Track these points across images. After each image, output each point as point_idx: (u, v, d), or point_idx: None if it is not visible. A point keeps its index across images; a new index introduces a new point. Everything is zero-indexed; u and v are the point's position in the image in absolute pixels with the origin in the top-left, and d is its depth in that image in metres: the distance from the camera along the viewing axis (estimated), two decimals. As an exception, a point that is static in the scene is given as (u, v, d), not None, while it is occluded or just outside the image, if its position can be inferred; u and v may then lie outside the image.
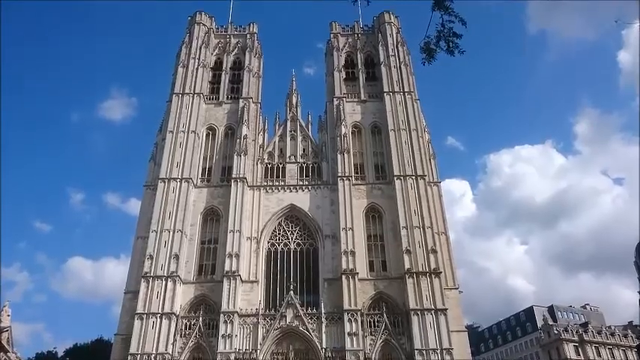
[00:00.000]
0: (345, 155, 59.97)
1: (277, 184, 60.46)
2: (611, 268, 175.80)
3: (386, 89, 65.15)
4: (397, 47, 69.41)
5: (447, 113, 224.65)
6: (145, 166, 63.30)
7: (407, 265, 52.04)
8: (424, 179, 58.04)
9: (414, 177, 57.86)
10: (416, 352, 47.34)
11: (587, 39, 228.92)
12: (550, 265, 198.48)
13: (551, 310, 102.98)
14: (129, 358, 47.25)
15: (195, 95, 64.70)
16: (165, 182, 57.51)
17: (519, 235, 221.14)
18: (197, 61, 67.87)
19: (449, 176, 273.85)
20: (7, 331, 73.96)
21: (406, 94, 64.70)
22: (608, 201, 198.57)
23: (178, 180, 57.81)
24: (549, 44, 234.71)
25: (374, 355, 48.36)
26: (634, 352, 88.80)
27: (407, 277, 51.33)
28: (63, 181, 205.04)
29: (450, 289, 53.71)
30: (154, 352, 47.64)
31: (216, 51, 71.82)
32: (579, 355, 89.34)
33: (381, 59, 68.00)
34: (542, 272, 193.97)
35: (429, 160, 62.47)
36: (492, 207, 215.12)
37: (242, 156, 59.83)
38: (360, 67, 69.38)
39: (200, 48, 69.28)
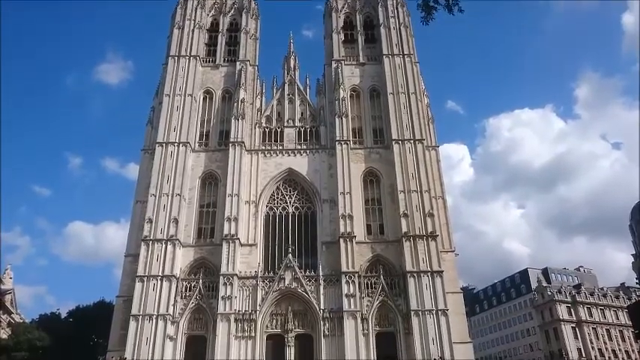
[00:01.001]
0: (344, 119, 59.61)
1: (275, 148, 60.31)
2: (606, 232, 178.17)
3: (385, 52, 64.16)
4: (397, 8, 67.96)
5: (447, 76, 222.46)
6: (143, 130, 63.05)
7: (404, 229, 52.56)
8: (422, 143, 57.93)
9: (412, 141, 57.71)
10: (412, 312, 48.43)
11: (591, 1, 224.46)
12: (546, 228, 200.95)
13: (545, 272, 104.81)
14: (131, 319, 48.25)
15: (192, 58, 63.70)
16: (162, 146, 57.33)
17: (516, 199, 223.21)
18: (193, 22, 66.50)
19: (447, 140, 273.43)
20: (10, 293, 75.36)
21: (405, 56, 63.77)
22: (607, 165, 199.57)
23: (176, 144, 57.62)
24: (552, 6, 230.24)
25: (371, 315, 49.48)
26: (625, 313, 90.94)
27: (404, 240, 51.93)
28: (60, 145, 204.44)
29: (447, 251, 54.48)
30: (155, 313, 48.63)
31: (212, 12, 70.28)
32: (571, 315, 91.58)
33: (381, 20, 66.71)
34: (538, 236, 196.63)
35: (428, 124, 62.20)
36: (490, 171, 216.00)
37: (240, 120, 59.45)
38: (359, 28, 68.11)
39: (195, 9, 67.76)
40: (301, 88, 65.57)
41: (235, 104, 60.45)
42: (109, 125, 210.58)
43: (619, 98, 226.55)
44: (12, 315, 73.69)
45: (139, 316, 48.35)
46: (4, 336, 61.74)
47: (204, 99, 63.60)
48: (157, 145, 57.49)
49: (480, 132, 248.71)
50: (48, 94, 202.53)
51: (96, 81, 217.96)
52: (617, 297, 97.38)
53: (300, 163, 59.05)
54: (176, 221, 53.40)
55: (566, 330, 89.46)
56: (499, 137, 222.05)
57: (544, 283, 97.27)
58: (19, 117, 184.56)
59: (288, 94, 64.28)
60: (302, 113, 63.15)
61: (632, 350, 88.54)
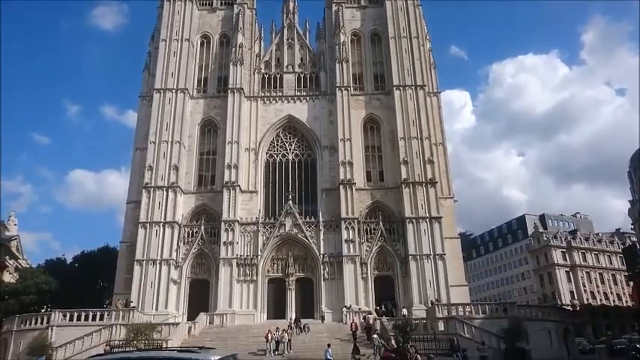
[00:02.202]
0: (344, 65, 58.53)
1: (275, 94, 59.57)
2: (605, 179, 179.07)
3: (387, -7, 62.04)
4: (399, -53, 65.06)
5: (451, 20, 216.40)
6: (140, 76, 62.02)
7: (404, 176, 52.80)
8: (424, 89, 57.17)
9: (413, 87, 56.93)
10: (410, 257, 49.52)
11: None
12: (545, 175, 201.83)
13: (542, 218, 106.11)
14: (135, 264, 49.38)
15: (187, 0, 61.70)
16: (160, 93, 56.61)
17: (517, 147, 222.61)
18: (187, -38, 63.84)
19: (449, 87, 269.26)
20: (16, 239, 76.66)
21: (408, -1, 61.74)
22: (609, 112, 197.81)
23: (174, 91, 56.87)
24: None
25: (369, 260, 50.62)
26: (618, 258, 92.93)
27: (403, 186, 52.29)
28: (57, 92, 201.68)
29: (446, 198, 55.02)
30: (159, 258, 49.71)
31: (207, -49, 67.38)
32: (566, 260, 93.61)
33: (382, -39, 64.11)
34: (537, 183, 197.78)
35: (430, 69, 61.14)
36: (492, 118, 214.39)
37: (238, 66, 58.38)
38: (360, -31, 65.53)
39: (190, -52, 64.90)
40: (301, 32, 63.99)
41: (233, 49, 59.19)
42: (106, 72, 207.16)
43: (625, 43, 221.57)
44: (19, 260, 75.32)
45: (143, 261, 49.45)
46: (12, 280, 63.32)
47: (202, 44, 62.20)
48: (154, 91, 56.75)
49: (483, 78, 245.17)
50: (41, 39, 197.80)
51: (91, 25, 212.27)
52: (612, 242, 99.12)
53: (300, 110, 58.53)
54: (176, 168, 53.55)
55: (560, 274, 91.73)
56: (502, 84, 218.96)
57: (540, 229, 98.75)
58: (15, 64, 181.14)
59: (288, 39, 62.80)
60: (302, 59, 61.94)
61: (623, 293, 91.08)
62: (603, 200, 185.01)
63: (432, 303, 44.00)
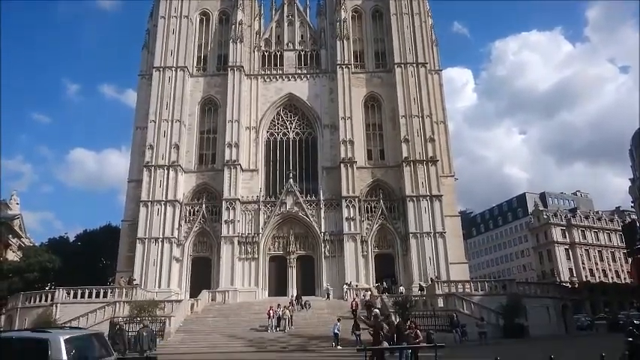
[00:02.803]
0: (345, 42, 57.95)
1: (275, 72, 59.13)
2: (606, 157, 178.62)
3: (388, -31, 61.02)
4: None
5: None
6: (139, 54, 61.48)
7: (404, 154, 52.75)
8: (425, 67, 56.70)
9: (414, 65, 56.45)
10: (410, 235, 49.81)
11: None
12: (546, 154, 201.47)
13: (542, 196, 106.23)
14: (137, 242, 49.74)
15: (186, -24, 60.69)
16: (160, 71, 56.19)
17: (518, 125, 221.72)
18: (185, -63, 62.67)
19: (451, 64, 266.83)
20: (18, 218, 77.04)
21: (409, -26, 60.73)
22: (612, 89, 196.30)
23: (173, 69, 56.44)
24: None
25: (370, 238, 50.94)
26: (618, 236, 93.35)
27: (404, 165, 52.29)
28: (56, 71, 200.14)
29: (446, 176, 55.09)
30: (161, 236, 50.05)
31: None
32: (565, 238, 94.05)
33: None
34: (538, 161, 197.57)
35: (431, 47, 60.53)
36: (493, 97, 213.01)
37: (238, 43, 57.81)
38: (361, -57, 64.36)
39: None
40: (301, 9, 63.21)
41: (233, 27, 58.55)
42: (105, 50, 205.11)
43: (630, 20, 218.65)
44: (22, 239, 75.82)
45: (145, 239, 49.80)
46: (16, 259, 63.84)
47: (201, 21, 61.48)
48: (154, 69, 56.33)
49: (486, 56, 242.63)
50: (42, 18, 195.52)
51: (90, 3, 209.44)
52: (612, 220, 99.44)
53: (301, 88, 58.17)
54: (177, 147, 53.50)
55: (559, 251, 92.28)
56: (504, 61, 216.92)
57: (541, 207, 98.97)
58: (14, 43, 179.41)
59: (288, 16, 62.04)
60: (302, 36, 61.28)
61: (622, 270, 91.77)
62: (604, 178, 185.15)
63: (431, 280, 44.39)
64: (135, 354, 19.11)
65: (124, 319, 34.58)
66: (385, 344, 16.30)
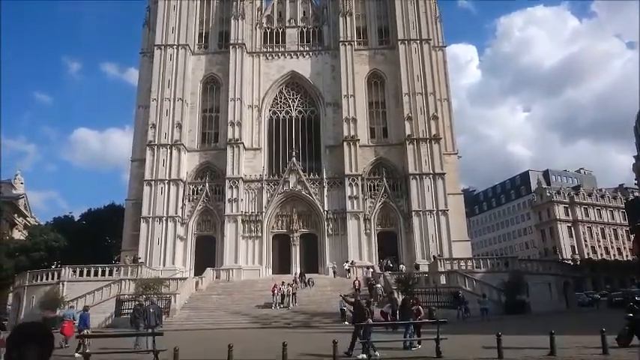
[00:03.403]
0: (347, 18, 57.20)
1: (277, 50, 58.55)
2: (610, 134, 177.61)
3: (392, -57, 59.86)
4: None
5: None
6: (140, 32, 60.94)
7: (407, 132, 52.55)
8: (429, 43, 56.06)
9: (418, 41, 55.79)
10: (413, 213, 49.96)
11: None
12: (550, 131, 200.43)
13: (546, 174, 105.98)
14: (141, 221, 50.07)
15: (186, -48, 59.69)
16: (161, 49, 55.72)
17: (523, 102, 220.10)
18: None
19: (455, 41, 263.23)
20: (23, 197, 77.51)
21: (413, -52, 59.57)
22: (619, 66, 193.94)
23: (175, 47, 55.93)
24: None
25: (373, 216, 51.11)
26: (621, 213, 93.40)
27: (407, 143, 52.14)
28: (57, 49, 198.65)
29: (449, 154, 54.98)
30: (165, 215, 50.34)
31: None
32: (568, 215, 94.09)
33: None
34: (542, 139, 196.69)
35: (435, 23, 59.78)
36: (498, 74, 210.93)
37: (239, 20, 57.14)
38: None
39: None
40: (303, -16, 62.16)
41: (234, 3, 57.80)
42: (106, 28, 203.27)
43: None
44: (27, 218, 76.39)
45: (149, 218, 50.11)
46: (22, 238, 64.43)
47: (202, -2, 60.63)
48: (155, 47, 55.87)
49: (491, 32, 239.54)
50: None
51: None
52: (615, 198, 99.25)
53: (303, 66, 57.66)
54: (179, 126, 53.38)
55: (562, 229, 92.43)
56: (510, 37, 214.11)
57: (544, 185, 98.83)
58: (14, 21, 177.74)
59: (290, -8, 61.09)
60: (304, 12, 60.47)
61: (624, 247, 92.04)
62: (608, 156, 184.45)
63: (434, 258, 44.66)
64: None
65: (130, 297, 35.10)
66: (370, 321, 16.64)
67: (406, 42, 55.78)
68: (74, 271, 40.30)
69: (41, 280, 40.93)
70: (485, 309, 31.64)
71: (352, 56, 55.93)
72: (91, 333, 21.68)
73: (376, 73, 57.16)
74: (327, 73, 57.05)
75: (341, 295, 22.36)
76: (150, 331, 17.70)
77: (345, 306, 30.32)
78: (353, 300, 17.77)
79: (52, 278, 40.36)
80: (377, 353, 14.79)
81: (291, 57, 58.17)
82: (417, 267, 44.31)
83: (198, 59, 57.81)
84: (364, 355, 14.65)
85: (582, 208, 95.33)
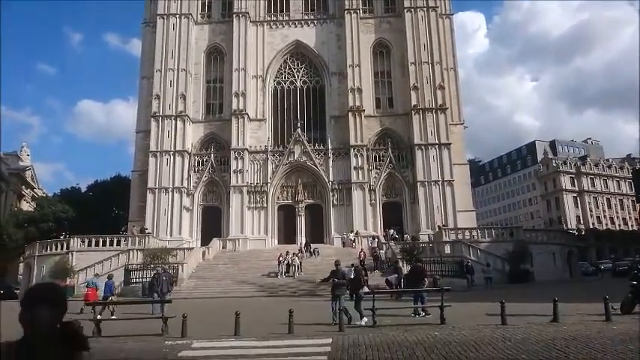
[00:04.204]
0: (353, -15, 55.98)
1: (281, 19, 57.60)
2: (618, 104, 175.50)
3: None
4: None
5: None
6: (142, 1, 60.01)
7: (413, 102, 52.06)
8: (436, 11, 54.96)
9: (425, 9, 54.69)
10: (418, 183, 49.95)
11: None
12: (558, 101, 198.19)
13: (552, 144, 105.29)
14: (148, 192, 50.37)
15: None
16: (164, 19, 54.96)
17: (531, 72, 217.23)
18: None
19: (463, 9, 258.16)
20: (30, 169, 77.98)
21: None
22: (629, 33, 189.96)
23: (177, 16, 55.13)
24: None
25: (378, 186, 51.14)
26: (627, 183, 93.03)
27: (413, 113, 51.71)
28: (57, 20, 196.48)
29: (455, 124, 54.53)
30: (171, 186, 50.58)
31: None
32: (574, 185, 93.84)
33: None
34: (549, 109, 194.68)
35: (442, -12, 58.41)
36: (506, 42, 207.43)
37: (242, -12, 56.07)
38: None
39: None
40: (307, -50, 60.68)
41: (237, -30, 56.59)
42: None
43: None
44: (34, 190, 77.03)
45: (156, 189, 50.40)
46: (30, 209, 65.11)
47: (204, -35, 59.41)
48: (158, 17, 55.11)
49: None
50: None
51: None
52: (622, 168, 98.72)
53: (308, 35, 56.81)
54: (184, 97, 53.09)
55: (567, 199, 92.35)
56: (519, 5, 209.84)
57: (550, 155, 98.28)
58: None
59: (293, -42, 59.68)
60: (308, -21, 59.14)
61: (630, 217, 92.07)
62: (616, 125, 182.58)
63: (439, 227, 44.85)
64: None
65: (138, 266, 35.65)
66: (366, 289, 16.97)
67: (412, 9, 54.71)
68: (82, 241, 40.88)
69: (51, 250, 41.56)
70: (489, 278, 31.96)
71: (357, 25, 55.00)
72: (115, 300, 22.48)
73: (382, 42, 56.29)
74: (332, 42, 56.23)
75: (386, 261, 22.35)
76: (163, 297, 18.33)
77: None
78: (331, 276, 17.61)
79: (62, 248, 40.97)
80: (354, 321, 14.93)
81: (296, 26, 57.27)
82: (414, 238, 43.97)
83: (202, 29, 57.05)
84: (362, 322, 14.91)
85: (588, 178, 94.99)
